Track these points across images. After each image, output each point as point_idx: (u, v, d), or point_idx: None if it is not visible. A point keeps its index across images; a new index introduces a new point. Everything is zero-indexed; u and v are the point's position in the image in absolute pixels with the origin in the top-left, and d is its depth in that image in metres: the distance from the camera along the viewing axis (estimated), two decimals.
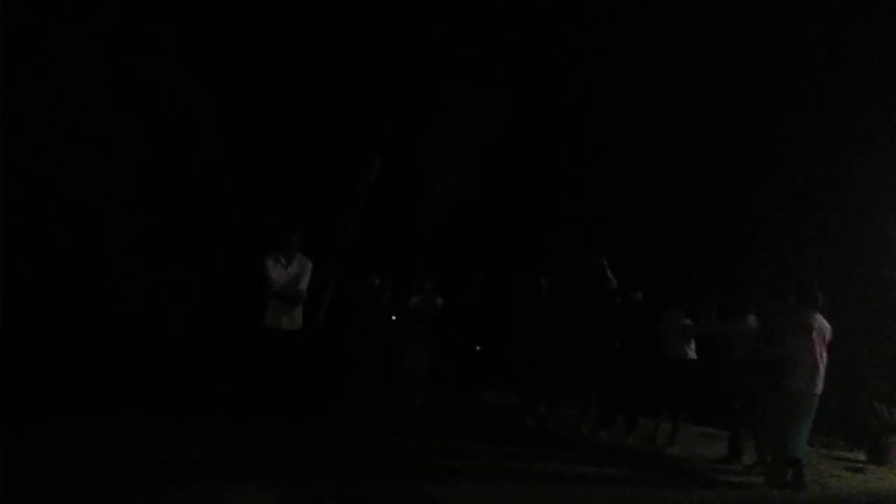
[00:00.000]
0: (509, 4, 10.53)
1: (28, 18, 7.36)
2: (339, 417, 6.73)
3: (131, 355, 7.17)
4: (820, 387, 5.60)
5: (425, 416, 7.63)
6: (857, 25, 10.02)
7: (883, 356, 9.45)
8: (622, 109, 11.48)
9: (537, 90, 11.26)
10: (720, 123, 11.09)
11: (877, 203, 9.79)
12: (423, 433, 6.60)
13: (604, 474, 5.56)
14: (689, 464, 6.47)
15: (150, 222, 7.98)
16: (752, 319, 6.74)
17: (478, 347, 8.47)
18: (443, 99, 10.00)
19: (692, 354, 7.25)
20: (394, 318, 8.34)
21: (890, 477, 6.76)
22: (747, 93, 11.02)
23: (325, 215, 8.95)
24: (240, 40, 8.51)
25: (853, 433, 8.53)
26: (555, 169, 11.53)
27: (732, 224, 11.23)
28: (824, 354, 5.67)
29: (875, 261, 9.79)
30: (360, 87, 9.35)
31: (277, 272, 6.44)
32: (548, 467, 5.49)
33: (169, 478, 3.94)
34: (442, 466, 5.13)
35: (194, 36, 8.41)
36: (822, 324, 5.72)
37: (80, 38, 7.70)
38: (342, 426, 6.32)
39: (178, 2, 8.17)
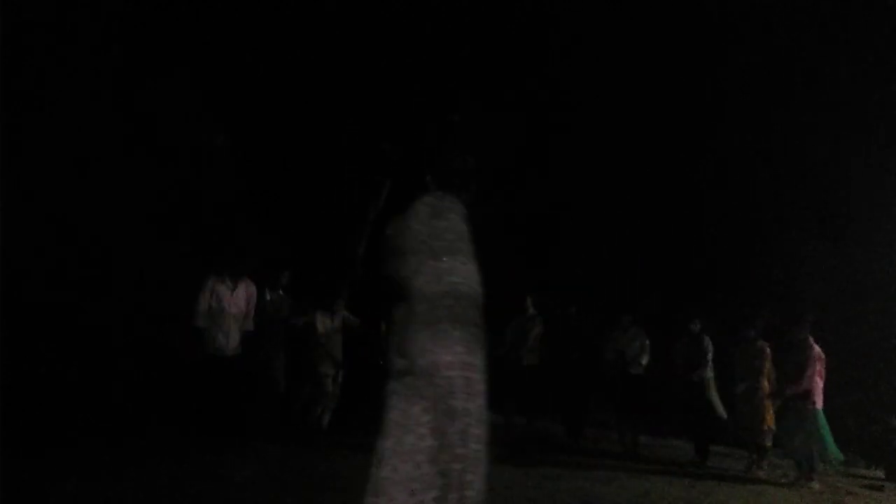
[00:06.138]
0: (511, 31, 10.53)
1: (38, 45, 7.26)
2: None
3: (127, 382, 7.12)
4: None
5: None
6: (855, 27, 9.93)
7: None
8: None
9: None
10: (719, 134, 10.99)
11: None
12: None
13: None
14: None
15: (158, 251, 7.87)
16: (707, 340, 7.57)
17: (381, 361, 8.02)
18: (451, 122, 9.88)
19: (637, 369, 7.79)
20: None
21: None
22: (746, 106, 10.93)
23: (333, 241, 8.86)
24: (250, 67, 8.41)
25: (873, 451, 8.49)
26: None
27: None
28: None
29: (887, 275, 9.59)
30: (368, 111, 9.24)
31: (226, 295, 6.38)
32: None
33: None
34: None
35: (202, 64, 8.31)
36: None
37: (89, 66, 7.59)
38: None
39: (189, 33, 8.06)
